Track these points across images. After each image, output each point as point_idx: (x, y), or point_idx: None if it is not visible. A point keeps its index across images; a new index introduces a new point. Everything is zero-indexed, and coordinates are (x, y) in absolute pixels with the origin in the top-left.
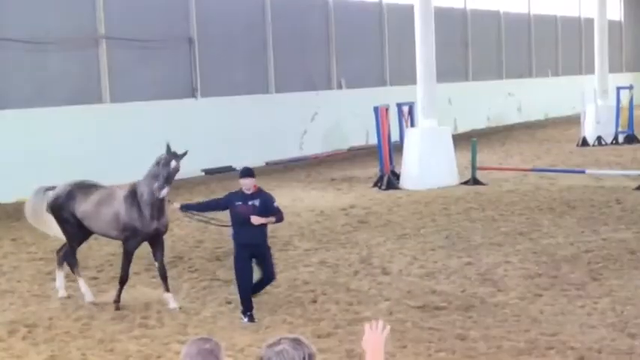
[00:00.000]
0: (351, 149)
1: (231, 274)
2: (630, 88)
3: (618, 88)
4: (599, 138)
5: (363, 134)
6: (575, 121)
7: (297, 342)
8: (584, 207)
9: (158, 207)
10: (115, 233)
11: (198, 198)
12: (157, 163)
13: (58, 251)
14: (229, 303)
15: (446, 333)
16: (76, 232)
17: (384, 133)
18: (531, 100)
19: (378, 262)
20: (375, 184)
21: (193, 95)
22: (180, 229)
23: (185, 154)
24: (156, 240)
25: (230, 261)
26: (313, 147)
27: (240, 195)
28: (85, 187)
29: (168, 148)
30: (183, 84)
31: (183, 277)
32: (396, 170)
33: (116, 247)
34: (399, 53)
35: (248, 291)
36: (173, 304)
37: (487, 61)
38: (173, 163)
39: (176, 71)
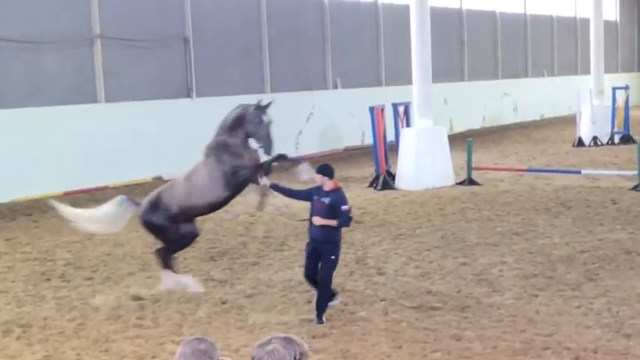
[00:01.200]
0: (346, 149)
1: (225, 274)
2: (626, 88)
3: (614, 89)
4: (594, 138)
5: (359, 134)
6: (570, 121)
7: (288, 341)
8: (579, 207)
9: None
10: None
11: None
12: (238, 124)
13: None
14: (224, 303)
15: (441, 333)
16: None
17: (380, 133)
18: (527, 100)
19: (374, 263)
20: (371, 185)
21: (188, 95)
22: None
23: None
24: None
25: (224, 261)
26: (309, 147)
27: (320, 190)
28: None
29: (258, 104)
30: (179, 84)
31: None
32: (392, 170)
33: (111, 246)
34: (394, 53)
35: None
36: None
37: (483, 61)
38: (265, 119)
39: (171, 71)
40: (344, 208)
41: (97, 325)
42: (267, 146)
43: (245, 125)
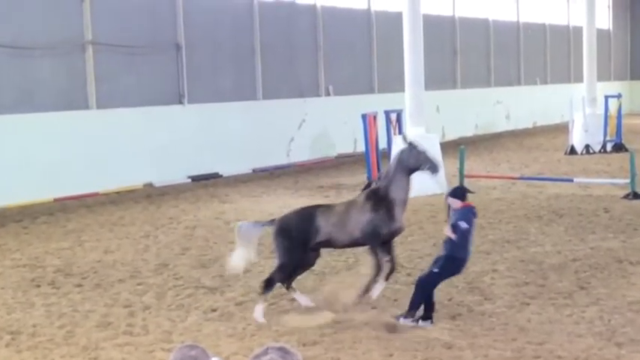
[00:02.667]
0: (338, 156)
1: (216, 282)
2: (618, 96)
3: (607, 97)
4: (587, 146)
5: (351, 141)
6: (563, 129)
7: (284, 351)
8: (571, 215)
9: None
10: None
11: (184, 205)
12: (404, 158)
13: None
14: (214, 310)
15: (432, 341)
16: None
17: (372, 141)
18: (520, 108)
19: (365, 270)
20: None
21: (180, 102)
22: (166, 236)
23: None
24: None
25: (215, 268)
26: (301, 154)
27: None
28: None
29: (404, 137)
30: (170, 90)
31: (168, 284)
32: None
33: (101, 253)
34: (387, 60)
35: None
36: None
37: (475, 68)
38: (420, 147)
39: (163, 77)
40: (459, 223)
41: (86, 332)
42: (433, 168)
43: (407, 165)
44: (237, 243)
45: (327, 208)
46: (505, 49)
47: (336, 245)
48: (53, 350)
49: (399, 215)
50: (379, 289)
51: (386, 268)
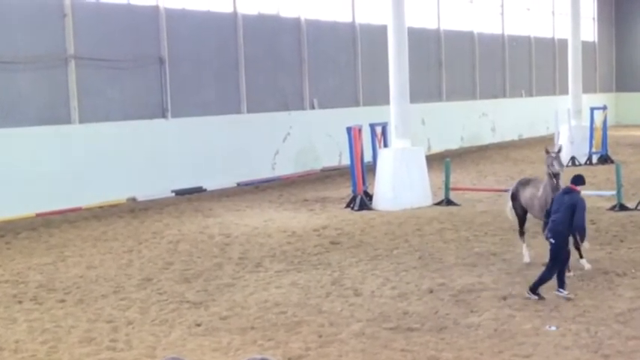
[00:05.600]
0: (323, 170)
1: (200, 296)
2: (604, 108)
3: (592, 109)
4: (572, 158)
5: (336, 155)
6: (549, 141)
7: None
8: None
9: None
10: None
11: (168, 219)
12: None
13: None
14: (199, 325)
15: (418, 354)
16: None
17: (357, 154)
18: (505, 121)
19: (350, 284)
20: (348, 205)
21: (164, 115)
22: (149, 251)
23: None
24: None
25: (199, 283)
26: (285, 167)
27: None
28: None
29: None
30: (154, 104)
31: (151, 299)
32: (369, 191)
33: (83, 269)
34: (372, 73)
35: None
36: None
37: (461, 81)
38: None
39: (146, 91)
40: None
41: (69, 348)
42: (561, 166)
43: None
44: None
45: None
46: (490, 62)
47: None
48: None
49: None
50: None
51: None
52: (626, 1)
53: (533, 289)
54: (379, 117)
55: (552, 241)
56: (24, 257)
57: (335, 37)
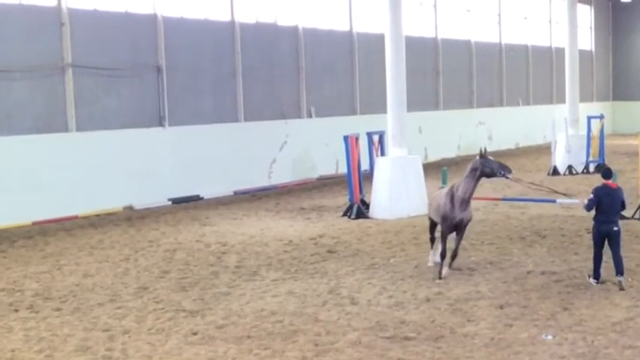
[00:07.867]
0: (320, 178)
1: (196, 305)
2: (601, 117)
3: (589, 118)
4: (569, 167)
5: (333, 163)
6: (545, 150)
7: None
8: (554, 236)
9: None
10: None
11: (164, 228)
12: (479, 166)
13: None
14: (195, 334)
15: None
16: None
17: (354, 162)
18: (502, 129)
19: (347, 292)
20: (345, 214)
21: (161, 124)
22: (146, 259)
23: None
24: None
25: (196, 291)
26: (282, 176)
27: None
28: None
29: (481, 152)
30: (151, 113)
31: (148, 307)
32: (366, 199)
33: (80, 277)
34: (369, 82)
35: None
36: None
37: (458, 89)
38: (490, 158)
39: (144, 100)
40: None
41: (65, 356)
42: (504, 169)
43: (480, 171)
44: None
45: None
46: (487, 71)
47: None
48: None
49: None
50: (446, 271)
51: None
52: (623, 10)
53: (622, 272)
54: (376, 125)
55: (616, 228)
56: (20, 266)
57: (332, 46)
